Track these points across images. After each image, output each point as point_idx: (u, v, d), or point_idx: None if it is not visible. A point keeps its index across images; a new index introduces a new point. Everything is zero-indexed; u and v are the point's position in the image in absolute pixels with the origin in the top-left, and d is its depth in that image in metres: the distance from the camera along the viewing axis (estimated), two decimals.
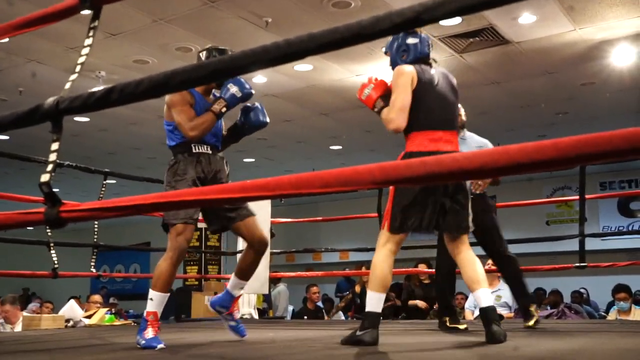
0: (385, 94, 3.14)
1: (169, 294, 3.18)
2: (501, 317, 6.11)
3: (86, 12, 1.71)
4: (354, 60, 7.38)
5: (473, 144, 4.45)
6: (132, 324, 6.29)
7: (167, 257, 3.18)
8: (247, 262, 3.38)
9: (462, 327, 4.15)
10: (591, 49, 7.08)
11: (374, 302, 2.92)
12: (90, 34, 1.64)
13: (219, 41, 6.74)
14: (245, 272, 3.40)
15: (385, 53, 3.31)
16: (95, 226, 5.36)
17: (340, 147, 11.53)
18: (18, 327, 5.80)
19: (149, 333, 3.07)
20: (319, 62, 7.38)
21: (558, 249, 8.64)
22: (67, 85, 1.58)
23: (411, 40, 3.17)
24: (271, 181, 1.22)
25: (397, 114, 2.99)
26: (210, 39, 6.73)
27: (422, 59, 3.17)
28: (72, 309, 6.02)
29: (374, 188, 1.11)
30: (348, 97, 8.53)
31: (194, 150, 3.32)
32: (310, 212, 11.08)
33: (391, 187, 3.05)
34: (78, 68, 1.60)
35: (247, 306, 6.86)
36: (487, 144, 4.53)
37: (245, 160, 12.51)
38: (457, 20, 6.33)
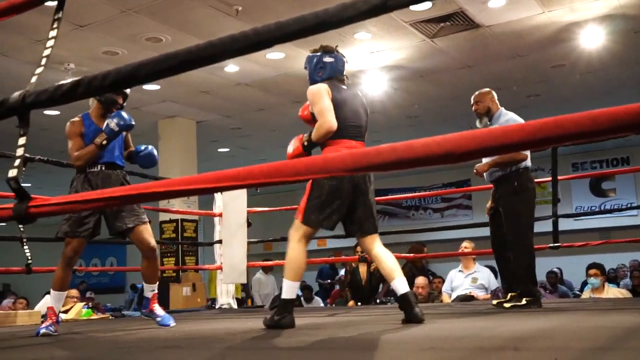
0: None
1: (65, 292, 3.85)
2: (473, 297, 6.23)
3: (51, 3, 1.68)
4: None
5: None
6: (110, 317, 6.25)
7: (59, 263, 3.76)
8: (143, 267, 3.90)
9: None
10: (560, 31, 7.16)
11: (291, 290, 3.21)
12: (55, 25, 1.62)
13: (189, 31, 6.69)
14: (146, 277, 3.92)
15: (305, 68, 3.52)
16: None
17: None
18: None
19: (45, 323, 3.64)
20: (291, 49, 7.35)
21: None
22: (34, 79, 1.55)
23: (328, 59, 3.41)
24: (243, 171, 1.22)
25: (326, 116, 3.18)
26: (180, 28, 6.67)
27: (337, 76, 3.40)
28: (48, 305, 5.95)
29: (345, 175, 1.12)
30: None
31: (86, 169, 3.78)
32: (287, 201, 11.07)
33: (308, 183, 3.27)
34: (43, 61, 1.58)
35: (225, 296, 6.85)
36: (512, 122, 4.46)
37: (220, 150, 12.46)
38: (427, 5, 6.35)
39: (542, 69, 8.47)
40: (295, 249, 3.24)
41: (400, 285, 3.19)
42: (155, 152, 4.09)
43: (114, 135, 3.72)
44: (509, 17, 6.76)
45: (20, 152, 1.41)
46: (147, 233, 3.84)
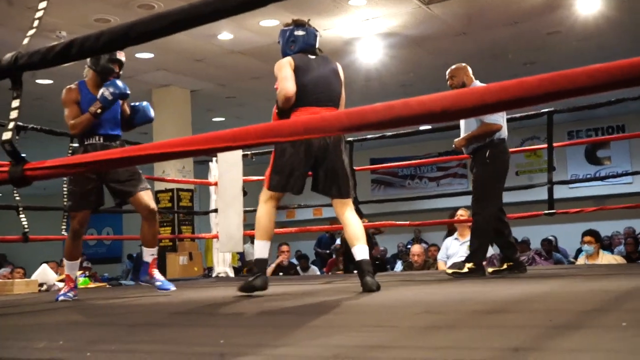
0: None
1: (77, 261, 3.90)
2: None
3: None
4: (320, 15, 7.29)
5: None
6: (107, 286, 6.29)
7: (68, 235, 3.91)
8: (143, 231, 3.90)
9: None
10: None
11: (261, 249, 3.26)
12: None
13: None
14: (146, 240, 3.92)
15: (278, 43, 3.63)
16: (65, 189, 5.29)
17: None
18: None
19: (64, 289, 3.83)
20: (285, 17, 7.23)
21: (528, 199, 8.79)
22: (25, 41, 1.53)
23: (299, 32, 3.51)
24: (240, 131, 1.21)
25: (282, 83, 3.37)
26: None
27: (307, 49, 3.50)
28: (44, 273, 5.98)
29: (342, 133, 1.12)
30: None
31: (85, 142, 3.80)
32: None
33: (272, 152, 3.44)
34: (36, 23, 1.56)
35: (222, 265, 6.88)
36: None
37: (215, 119, 12.40)
38: None
39: (538, 36, 8.41)
40: (262, 209, 3.34)
41: (358, 252, 3.25)
42: (149, 107, 4.10)
43: (109, 104, 3.71)
44: None
45: (14, 114, 1.40)
46: (148, 196, 3.90)
